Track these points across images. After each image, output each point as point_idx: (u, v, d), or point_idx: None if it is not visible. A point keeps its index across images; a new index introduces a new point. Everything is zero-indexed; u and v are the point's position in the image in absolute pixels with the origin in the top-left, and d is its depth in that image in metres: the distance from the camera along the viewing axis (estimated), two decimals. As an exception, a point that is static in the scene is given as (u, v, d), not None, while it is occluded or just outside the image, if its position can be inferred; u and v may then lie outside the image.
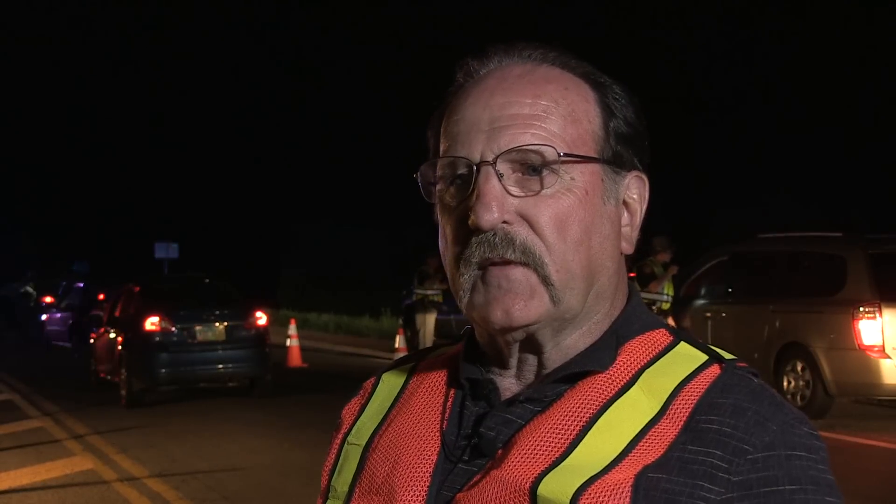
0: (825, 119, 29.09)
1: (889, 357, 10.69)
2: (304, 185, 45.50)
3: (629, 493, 1.03)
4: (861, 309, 10.78)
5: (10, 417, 13.32)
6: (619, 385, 1.12)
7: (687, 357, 1.15)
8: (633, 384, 1.12)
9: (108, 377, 15.54)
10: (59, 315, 27.02)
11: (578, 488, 1.03)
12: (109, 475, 9.45)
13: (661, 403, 1.10)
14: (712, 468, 1.05)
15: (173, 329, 14.46)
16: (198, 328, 14.60)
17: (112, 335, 15.43)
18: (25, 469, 9.81)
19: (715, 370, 1.12)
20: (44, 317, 28.30)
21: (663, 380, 1.12)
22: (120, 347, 14.85)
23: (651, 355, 1.15)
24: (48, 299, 29.65)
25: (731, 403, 1.09)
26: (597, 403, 1.11)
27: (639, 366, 1.14)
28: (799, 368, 11.56)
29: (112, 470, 9.69)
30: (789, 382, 11.66)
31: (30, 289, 33.27)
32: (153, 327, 14.44)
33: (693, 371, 1.12)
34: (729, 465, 1.05)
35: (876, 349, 10.75)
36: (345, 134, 45.46)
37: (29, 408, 14.35)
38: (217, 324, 14.73)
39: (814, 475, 1.06)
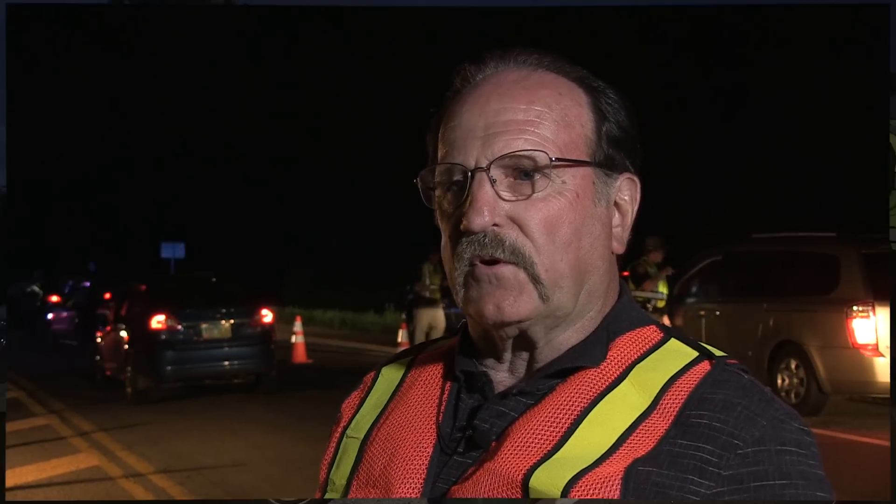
0: (821, 118, 29.01)
1: (882, 355, 10.72)
2: (309, 183, 45.47)
3: (619, 486, 1.05)
4: (855, 308, 10.84)
5: (16, 415, 13.31)
6: (610, 380, 1.14)
7: (677, 353, 1.16)
8: (624, 379, 1.14)
9: (114, 375, 15.57)
10: (65, 314, 27.09)
11: (569, 480, 1.05)
12: (115, 471, 9.46)
13: (652, 398, 1.11)
14: (702, 462, 1.06)
15: (179, 327, 14.48)
16: (204, 326, 14.62)
17: (118, 333, 15.45)
18: (31, 466, 9.82)
19: (705, 366, 1.14)
20: (50, 316, 28.38)
21: (654, 375, 1.13)
22: (126, 346, 14.87)
23: (641, 351, 1.17)
24: (54, 298, 29.72)
25: (721, 399, 1.10)
26: (588, 397, 1.13)
27: (629, 361, 1.16)
28: (793, 366, 11.58)
29: (117, 466, 9.70)
30: (783, 380, 11.69)
31: (36, 288, 33.29)
32: (159, 325, 14.46)
33: (683, 367, 1.14)
34: (719, 460, 1.06)
35: (870, 347, 10.80)
36: (346, 132, 45.43)
37: (35, 405, 14.36)
38: (223, 322, 14.75)
39: (804, 470, 1.07)
